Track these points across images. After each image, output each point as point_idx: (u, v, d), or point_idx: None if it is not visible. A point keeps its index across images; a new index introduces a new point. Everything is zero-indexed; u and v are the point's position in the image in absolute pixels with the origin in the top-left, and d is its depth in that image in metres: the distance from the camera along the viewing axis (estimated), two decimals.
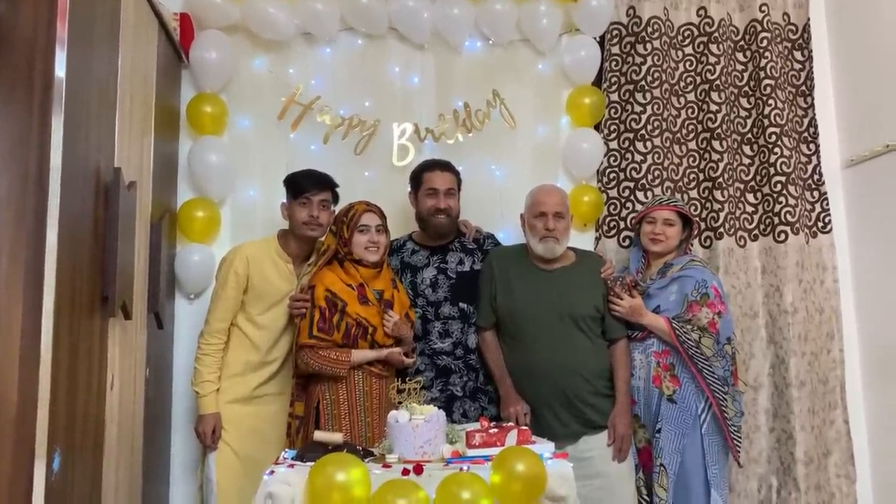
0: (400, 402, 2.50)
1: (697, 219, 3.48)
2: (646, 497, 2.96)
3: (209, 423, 2.88)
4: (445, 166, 3.15)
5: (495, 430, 2.46)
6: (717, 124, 3.58)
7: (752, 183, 3.64)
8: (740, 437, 2.94)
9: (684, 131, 3.64)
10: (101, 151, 2.30)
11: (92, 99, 2.20)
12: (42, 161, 1.87)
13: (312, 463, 2.21)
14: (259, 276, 2.92)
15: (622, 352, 3.00)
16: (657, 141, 3.54)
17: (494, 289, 3.03)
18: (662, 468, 2.87)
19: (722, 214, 3.53)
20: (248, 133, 3.47)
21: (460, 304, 3.05)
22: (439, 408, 2.60)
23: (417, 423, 2.34)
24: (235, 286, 2.90)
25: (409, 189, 3.21)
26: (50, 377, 1.84)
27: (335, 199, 3.03)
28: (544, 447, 2.43)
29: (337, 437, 2.38)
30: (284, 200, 3.03)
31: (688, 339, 2.87)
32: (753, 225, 3.61)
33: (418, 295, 3.06)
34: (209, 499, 2.89)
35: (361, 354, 2.77)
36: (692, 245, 3.19)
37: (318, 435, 2.40)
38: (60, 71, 1.92)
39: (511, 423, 2.62)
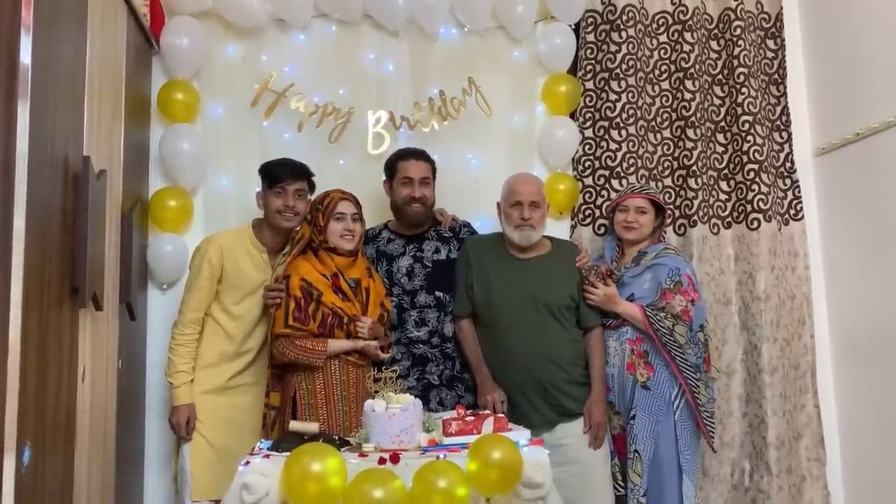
0: (376, 392, 2.49)
1: (670, 206, 3.50)
2: (620, 483, 2.99)
3: (183, 413, 2.85)
4: (420, 155, 3.14)
5: (472, 417, 2.46)
6: (691, 112, 3.60)
7: (726, 171, 3.67)
8: (713, 423, 2.97)
9: (659, 119, 3.65)
10: (70, 139, 2.25)
11: (59, 86, 2.15)
12: (8, 149, 1.82)
13: (288, 453, 2.21)
14: (233, 265, 2.89)
15: (597, 340, 3.02)
16: (632, 129, 3.55)
17: (471, 277, 3.03)
18: (637, 454, 2.89)
19: (696, 202, 3.55)
20: (220, 121, 3.43)
21: (436, 293, 3.05)
22: (416, 397, 2.60)
23: (394, 412, 2.34)
24: (209, 276, 2.87)
25: (383, 178, 3.19)
26: (19, 369, 1.80)
27: (311, 188, 3.01)
28: (520, 434, 2.45)
29: (313, 427, 2.37)
30: (259, 189, 3.00)
31: (661, 326, 2.89)
32: (727, 213, 3.64)
33: (394, 284, 3.05)
34: (184, 490, 2.87)
35: (338, 345, 2.76)
36: (665, 232, 3.21)
37: (294, 425, 2.38)
38: (26, 57, 1.87)
39: (487, 411, 2.63)
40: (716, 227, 3.60)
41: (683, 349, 2.89)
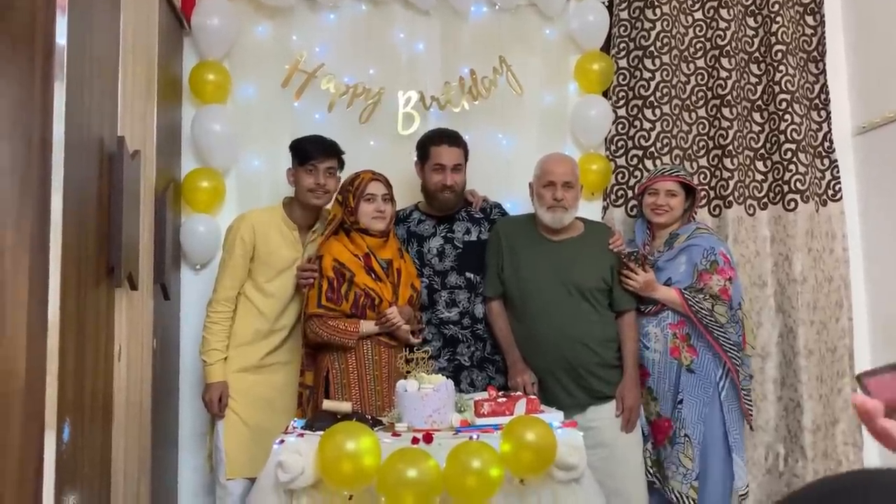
0: (408, 372, 2.49)
1: (702, 187, 3.43)
2: (650, 470, 2.97)
3: (216, 391, 2.88)
4: (454, 140, 3.09)
5: (504, 399, 2.45)
6: (727, 91, 3.53)
7: (762, 150, 3.60)
8: (751, 401, 2.96)
9: (693, 98, 3.58)
10: (104, 120, 2.26)
11: (94, 66, 2.16)
12: (45, 129, 1.83)
13: (322, 432, 2.22)
14: (265, 243, 2.91)
15: (630, 324, 2.98)
16: (666, 108, 3.49)
17: (501, 259, 3.01)
18: (687, 439, 2.86)
19: (731, 182, 3.49)
20: (251, 101, 3.43)
21: (467, 274, 3.03)
22: (447, 378, 2.62)
23: (426, 393, 2.34)
24: (242, 254, 2.90)
25: (414, 158, 3.17)
26: (58, 348, 1.83)
27: (341, 165, 3.00)
28: (553, 416, 2.44)
29: (346, 407, 2.38)
30: (290, 167, 3.00)
31: (701, 308, 2.86)
32: (763, 193, 3.57)
33: (425, 265, 3.05)
34: (218, 468, 2.91)
35: (370, 326, 2.77)
36: (696, 213, 3.15)
37: (327, 404, 2.40)
38: (62, 38, 1.87)
39: (519, 393, 2.62)
40: (752, 208, 3.54)
41: (725, 329, 2.86)
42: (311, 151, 2.92)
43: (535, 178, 3.02)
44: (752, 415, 2.96)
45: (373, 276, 2.80)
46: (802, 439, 3.39)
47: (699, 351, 2.90)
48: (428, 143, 3.09)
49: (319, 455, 2.10)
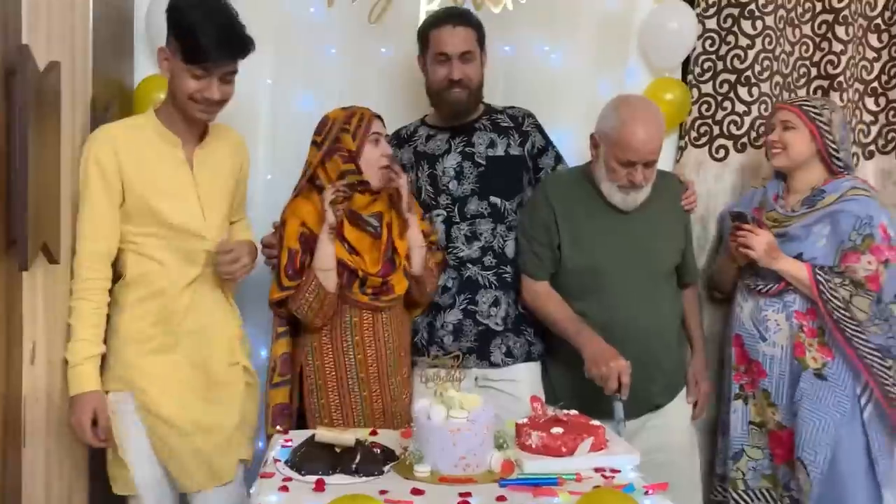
0: (428, 382, 1.86)
1: (825, 127, 2.53)
2: (720, 487, 2.48)
3: (85, 407, 1.88)
4: (460, 17, 2.38)
5: (559, 429, 1.82)
6: (843, 3, 2.75)
7: (875, 84, 2.86)
8: None
9: (800, 10, 2.80)
10: None
11: None
12: None
13: (315, 477, 1.64)
14: (136, 167, 1.98)
15: (695, 297, 2.56)
16: (769, 20, 2.71)
17: (557, 235, 2.32)
18: (800, 464, 2.28)
19: None
20: None
21: (491, 199, 2.38)
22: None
23: (459, 427, 1.70)
24: (104, 186, 1.94)
25: (417, 53, 2.48)
26: None
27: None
28: (625, 456, 1.82)
29: (347, 439, 1.75)
30: (163, 45, 2.00)
31: (834, 296, 2.22)
32: (870, 139, 2.86)
33: (440, 191, 2.39)
34: None
35: (322, 250, 2.11)
36: (842, 162, 2.39)
37: (323, 434, 1.76)
38: None
39: (574, 412, 1.98)
40: (855, 158, 2.83)
41: (863, 326, 2.23)
42: (207, 47, 1.89)
43: (605, 139, 2.26)
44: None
45: (346, 245, 2.17)
46: None
47: (835, 353, 2.28)
48: (427, 27, 2.40)
49: None
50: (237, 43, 1.96)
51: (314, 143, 2.24)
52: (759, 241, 2.27)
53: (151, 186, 1.97)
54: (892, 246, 2.26)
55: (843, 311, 2.22)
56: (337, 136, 2.19)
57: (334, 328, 2.17)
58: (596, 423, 1.91)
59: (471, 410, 1.74)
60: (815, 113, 2.37)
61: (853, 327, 2.22)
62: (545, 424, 1.86)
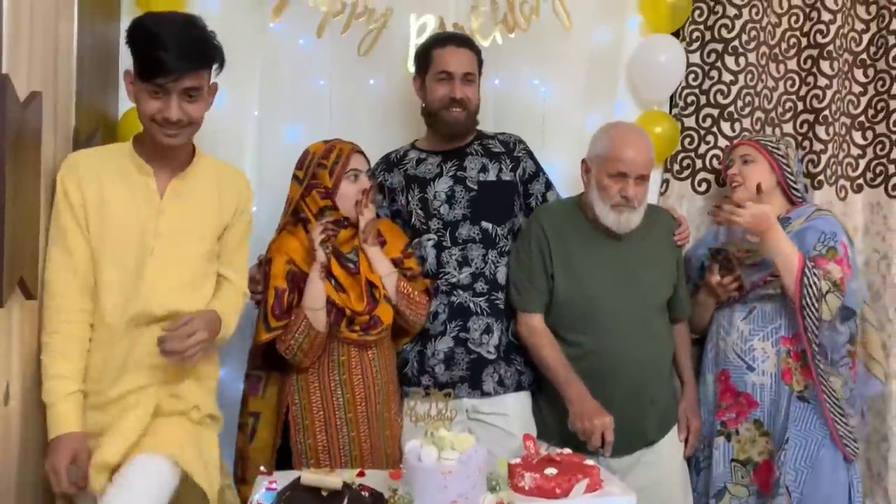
0: (418, 422, 1.82)
1: (782, 159, 2.53)
2: None
3: (62, 452, 1.71)
4: (463, 41, 2.40)
5: (553, 470, 1.78)
6: (828, 39, 2.77)
7: (862, 118, 2.87)
8: (852, 435, 2.30)
9: (785, 46, 2.82)
10: None
11: None
12: None
13: None
14: (98, 196, 1.83)
15: (686, 332, 2.52)
16: (752, 57, 2.73)
17: (549, 264, 2.30)
18: (786, 492, 2.23)
19: (824, 157, 2.77)
20: (213, 18, 2.50)
21: (483, 224, 2.35)
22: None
23: (450, 468, 1.65)
24: (71, 217, 1.81)
25: (413, 74, 2.46)
26: None
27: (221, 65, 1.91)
28: (622, 501, 1.77)
29: (333, 482, 1.68)
30: (129, 68, 1.83)
31: (813, 291, 2.21)
32: (858, 172, 2.86)
33: (431, 215, 2.35)
34: None
35: (312, 288, 2.08)
36: (809, 193, 2.53)
37: (308, 477, 1.70)
38: None
39: (566, 451, 1.93)
40: (843, 191, 2.84)
41: (821, 325, 2.24)
42: (160, 58, 1.72)
43: (595, 159, 2.28)
44: (853, 454, 2.31)
45: (333, 282, 2.13)
46: None
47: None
48: (429, 47, 2.40)
49: None
50: (194, 53, 1.78)
51: (295, 177, 2.21)
52: (745, 212, 2.23)
53: (109, 222, 1.81)
54: (850, 265, 2.30)
55: (814, 305, 2.20)
56: (314, 171, 2.17)
57: (321, 366, 2.13)
58: (590, 462, 1.87)
59: (462, 451, 1.70)
60: (772, 146, 2.46)
61: (813, 318, 2.21)
62: (538, 465, 1.81)
